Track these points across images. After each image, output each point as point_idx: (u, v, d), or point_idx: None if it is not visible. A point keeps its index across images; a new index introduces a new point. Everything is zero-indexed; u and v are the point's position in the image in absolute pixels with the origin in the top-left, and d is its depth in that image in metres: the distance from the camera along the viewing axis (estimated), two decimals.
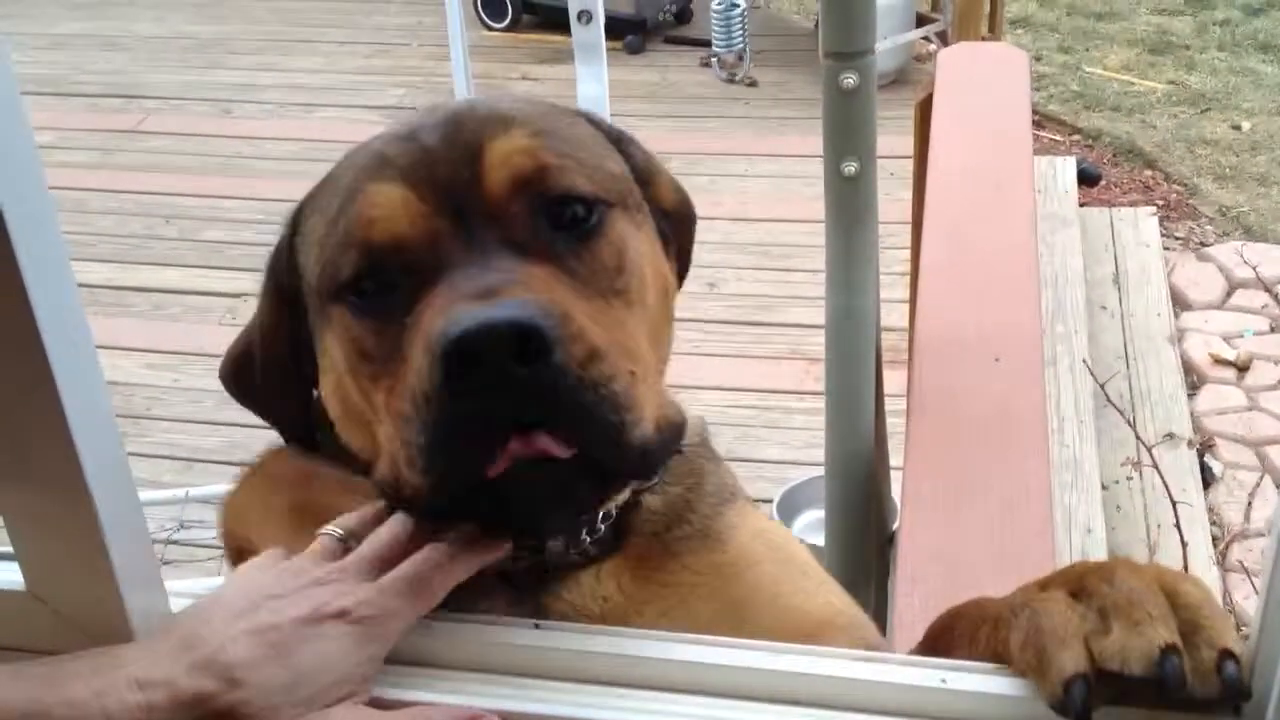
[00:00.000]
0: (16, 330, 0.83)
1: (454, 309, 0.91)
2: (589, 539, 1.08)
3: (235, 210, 5.84)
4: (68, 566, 0.91)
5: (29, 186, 0.83)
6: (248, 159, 6.35)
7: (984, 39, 5.98)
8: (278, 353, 1.16)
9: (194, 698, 0.83)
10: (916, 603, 1.73)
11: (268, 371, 1.19)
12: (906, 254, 3.35)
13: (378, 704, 0.89)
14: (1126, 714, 0.81)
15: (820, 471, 2.70)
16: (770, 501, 3.85)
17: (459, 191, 0.99)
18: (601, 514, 1.09)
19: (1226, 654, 0.79)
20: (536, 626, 0.94)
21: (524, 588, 1.04)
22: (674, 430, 1.04)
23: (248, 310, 5.23)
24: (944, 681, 0.86)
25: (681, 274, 1.24)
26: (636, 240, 1.07)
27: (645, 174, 1.17)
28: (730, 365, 4.65)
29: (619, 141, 1.17)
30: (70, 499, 0.88)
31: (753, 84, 6.73)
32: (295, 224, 1.13)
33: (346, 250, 1.01)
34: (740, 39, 6.67)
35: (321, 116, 6.76)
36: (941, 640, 0.98)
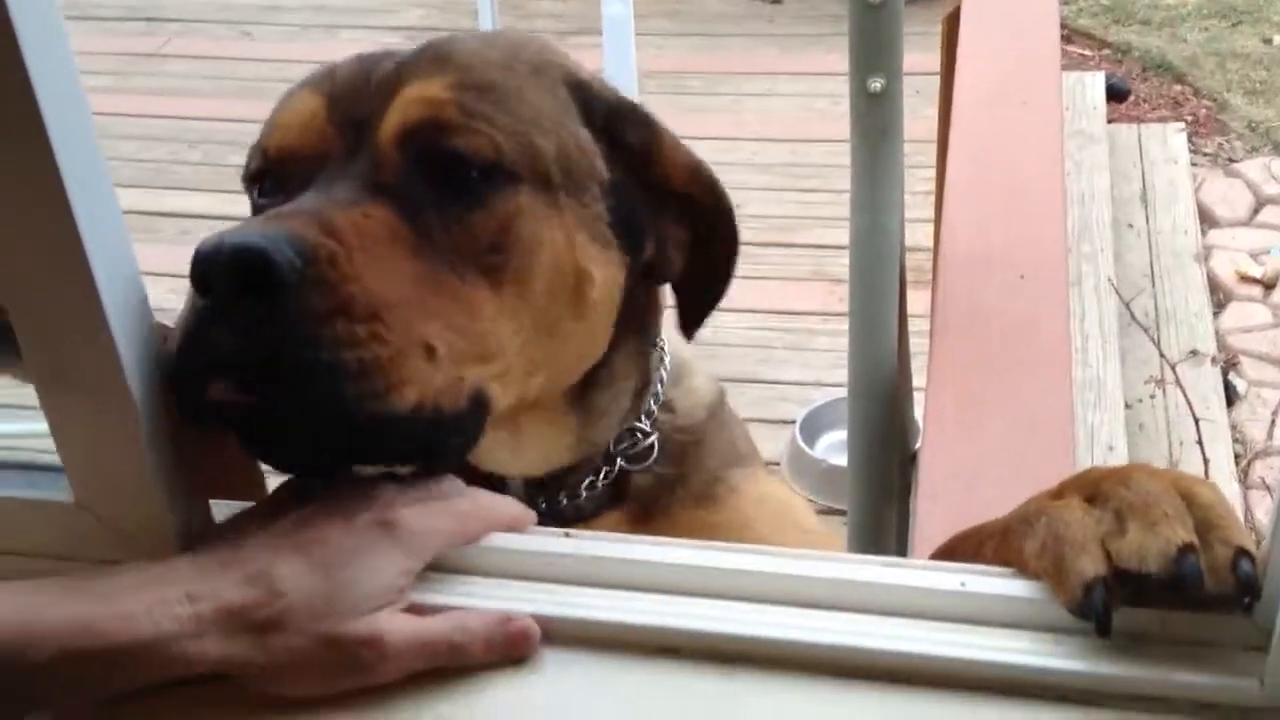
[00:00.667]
0: (61, 243, 0.86)
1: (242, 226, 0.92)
2: (585, 495, 1.15)
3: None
4: (113, 477, 0.94)
5: (72, 105, 0.85)
6: (271, 82, 6.27)
7: None
8: None
9: (241, 608, 0.86)
10: (937, 519, 1.76)
11: None
12: (931, 173, 3.33)
13: (416, 610, 0.92)
14: (1139, 615, 0.83)
15: (842, 393, 2.72)
16: (793, 423, 3.88)
17: (362, 120, 1.00)
18: (601, 475, 1.15)
19: (1241, 552, 0.81)
20: (566, 535, 0.97)
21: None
22: (449, 418, 0.95)
23: None
24: (963, 585, 0.88)
25: (722, 273, 1.18)
26: (540, 225, 1.02)
27: (642, 153, 1.12)
28: (753, 287, 4.63)
29: (610, 114, 1.11)
30: (114, 407, 0.91)
31: (777, 1, 6.65)
32: None
33: (259, 146, 1.06)
34: None
35: (344, 38, 6.72)
36: (946, 559, 1.00)
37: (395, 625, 0.89)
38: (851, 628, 0.88)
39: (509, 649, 0.91)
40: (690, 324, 1.21)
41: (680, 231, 1.16)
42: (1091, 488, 0.87)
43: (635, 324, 1.16)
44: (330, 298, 0.88)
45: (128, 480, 0.93)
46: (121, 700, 0.87)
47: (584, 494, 1.17)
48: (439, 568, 0.95)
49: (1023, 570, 0.88)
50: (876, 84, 1.91)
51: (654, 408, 1.22)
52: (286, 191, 1.01)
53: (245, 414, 0.91)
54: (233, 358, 0.89)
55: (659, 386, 1.23)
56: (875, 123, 1.97)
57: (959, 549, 1.02)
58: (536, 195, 1.02)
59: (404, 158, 0.99)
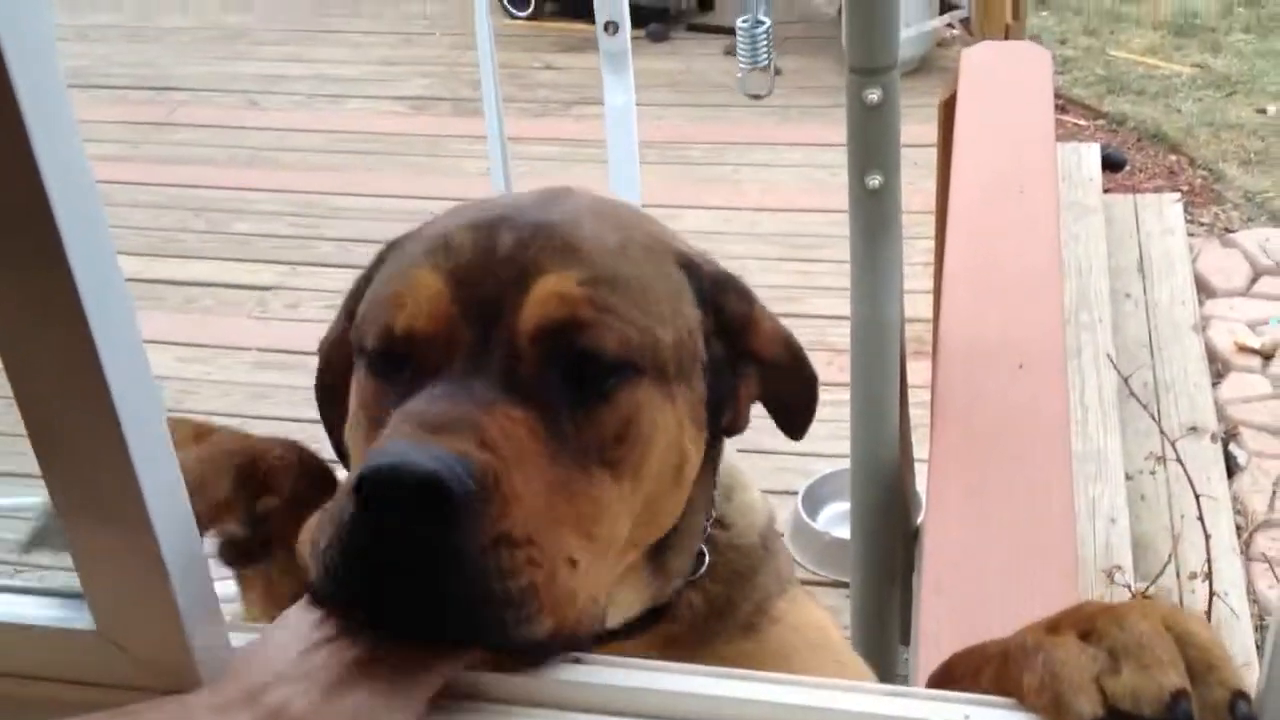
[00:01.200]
0: (80, 370, 0.88)
1: (397, 432, 0.93)
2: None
3: (264, 202, 5.90)
4: (134, 605, 0.96)
5: (81, 193, 0.86)
6: (276, 151, 6.41)
7: (1008, 25, 5.97)
8: (335, 376, 1.18)
9: None
10: (942, 613, 1.78)
11: (324, 390, 1.22)
12: (930, 244, 3.37)
13: None
14: None
15: (844, 465, 2.74)
16: (795, 494, 3.89)
17: (491, 309, 1.00)
18: None
19: (1239, 694, 0.83)
20: (577, 661, 0.98)
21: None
22: (574, 640, 0.97)
23: (277, 303, 5.34)
24: (967, 717, 0.89)
25: (805, 412, 1.22)
26: (658, 414, 1.04)
27: (739, 324, 1.14)
28: None
29: (715, 289, 1.13)
30: (135, 536, 0.93)
31: (777, 72, 6.73)
32: (380, 259, 1.15)
33: (375, 321, 1.04)
34: (765, 57, 6.66)
35: (348, 108, 6.81)
36: (942, 685, 1.02)
37: None
38: None
39: None
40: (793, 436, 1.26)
41: (754, 388, 1.18)
42: (1087, 623, 0.89)
43: (706, 476, 1.17)
44: (498, 523, 0.90)
45: (148, 609, 0.94)
46: None
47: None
48: (450, 694, 0.96)
49: (1021, 702, 0.90)
50: (875, 181, 1.96)
51: (706, 525, 1.21)
52: (413, 375, 1.00)
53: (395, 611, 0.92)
54: (399, 576, 0.90)
55: (714, 501, 1.22)
56: (874, 217, 2.01)
57: (957, 668, 1.03)
58: (655, 386, 1.04)
59: (538, 353, 0.99)
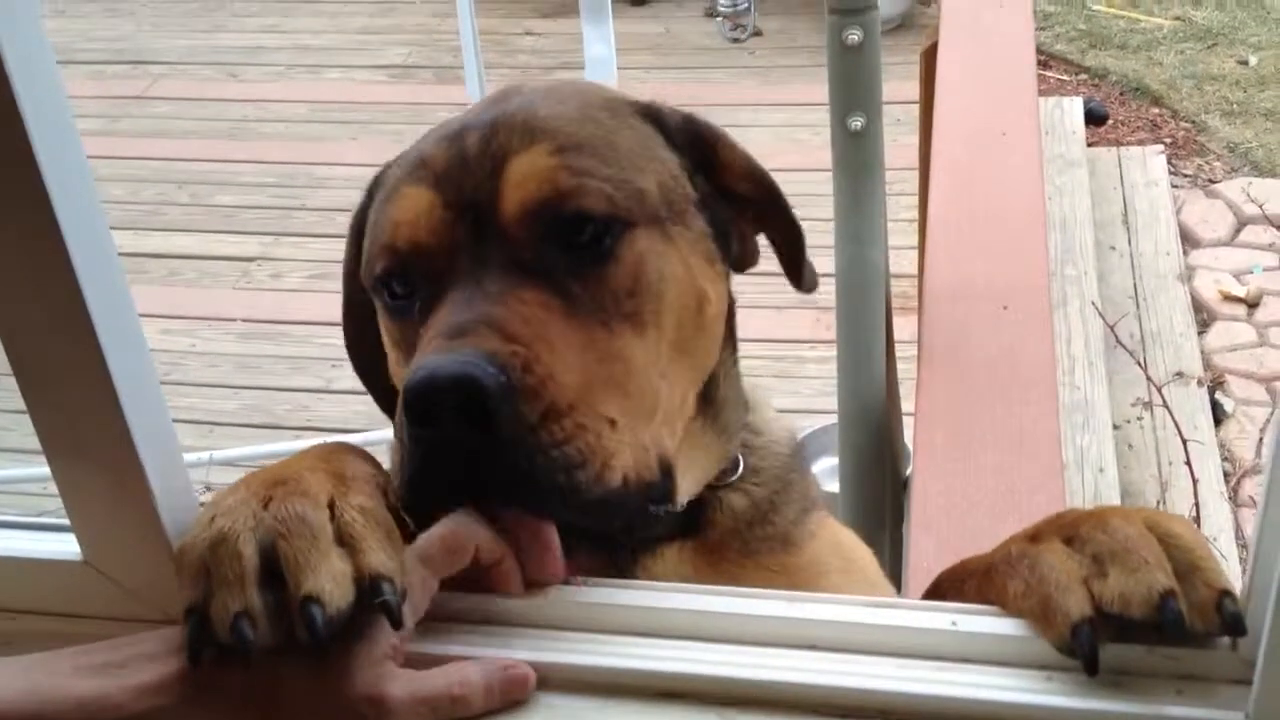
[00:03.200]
0: (65, 304, 0.88)
1: (427, 348, 0.96)
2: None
3: (246, 174, 5.86)
4: (121, 536, 0.96)
5: (70, 158, 0.87)
6: (256, 122, 6.37)
7: None
8: (357, 323, 1.21)
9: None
10: (930, 549, 1.78)
11: (353, 342, 1.25)
12: (913, 200, 3.37)
13: (417, 661, 0.93)
14: (1126, 650, 0.85)
15: (832, 420, 2.74)
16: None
17: (479, 204, 1.03)
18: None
19: (1224, 593, 0.83)
20: (566, 583, 0.99)
21: (609, 553, 1.08)
22: (649, 487, 1.03)
23: (261, 274, 5.30)
24: (954, 624, 0.90)
25: (793, 248, 1.23)
26: (662, 260, 1.07)
27: (711, 159, 1.16)
28: (741, 316, 4.67)
29: (682, 130, 1.15)
30: (122, 469, 0.93)
31: (757, 33, 6.71)
32: (371, 193, 1.17)
33: (379, 248, 1.07)
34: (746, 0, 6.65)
35: (328, 78, 6.76)
36: (933, 596, 1.02)
37: (397, 682, 0.91)
38: (845, 668, 0.90)
39: (507, 695, 0.92)
40: (794, 278, 1.27)
41: (746, 224, 1.21)
42: (1069, 529, 0.89)
43: (727, 330, 1.20)
44: (538, 403, 0.94)
45: (135, 538, 0.94)
46: None
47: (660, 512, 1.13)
48: (438, 617, 0.96)
49: (1006, 610, 0.90)
50: (857, 122, 1.95)
51: (738, 376, 1.24)
52: (420, 287, 1.04)
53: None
54: (466, 480, 0.95)
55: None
56: (856, 159, 2.01)
57: (944, 584, 1.04)
58: (651, 233, 1.06)
59: (531, 232, 1.02)
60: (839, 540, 1.29)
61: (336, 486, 0.92)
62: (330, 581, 0.85)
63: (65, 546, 0.99)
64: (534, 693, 0.93)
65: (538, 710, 0.92)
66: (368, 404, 1.28)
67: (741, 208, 1.19)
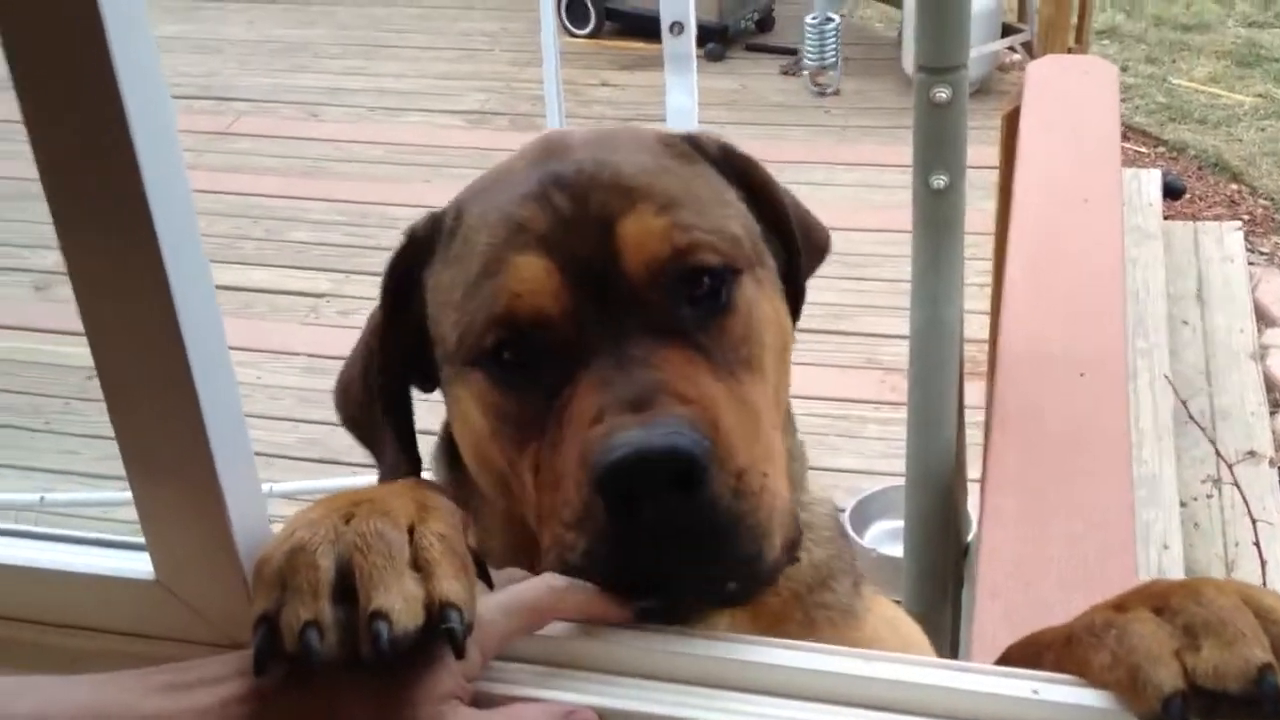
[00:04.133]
0: (158, 325, 0.88)
1: (610, 426, 0.93)
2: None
3: (320, 212, 5.96)
4: (195, 557, 0.96)
5: (177, 193, 0.88)
6: (334, 161, 6.48)
7: (1070, 50, 5.93)
8: (387, 379, 1.17)
9: None
10: (997, 616, 1.74)
11: (364, 399, 1.19)
12: (987, 265, 3.34)
13: (481, 701, 0.92)
14: None
15: (893, 482, 2.71)
16: (842, 511, 3.87)
17: (596, 268, 1.00)
18: None
19: None
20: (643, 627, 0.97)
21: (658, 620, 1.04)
22: (794, 545, 1.03)
23: (329, 310, 5.38)
24: (1035, 692, 0.87)
25: (796, 303, 1.19)
26: (761, 304, 1.07)
27: (764, 200, 1.15)
28: (806, 373, 4.63)
29: (727, 160, 1.15)
30: (201, 492, 0.93)
31: (835, 93, 6.73)
32: (424, 246, 1.13)
33: (488, 319, 1.02)
34: (833, 54, 6.68)
35: (407, 121, 6.87)
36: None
37: (459, 718, 0.90)
38: None
39: None
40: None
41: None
42: (1159, 600, 0.86)
43: None
44: (730, 464, 0.93)
45: (208, 561, 0.94)
46: None
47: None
48: (503, 657, 0.95)
49: (1090, 680, 0.87)
50: (940, 181, 1.94)
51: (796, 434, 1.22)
52: (544, 358, 1.01)
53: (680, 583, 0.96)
54: (679, 551, 0.93)
55: None
56: (938, 218, 1.99)
57: (1014, 657, 1.01)
58: (750, 279, 1.07)
59: (660, 292, 1.01)
60: (891, 615, 1.27)
61: (419, 512, 0.91)
62: (401, 601, 0.84)
63: (138, 565, 0.98)
64: None
65: None
66: (425, 444, 1.22)
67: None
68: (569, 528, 0.96)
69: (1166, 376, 4.46)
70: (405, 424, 1.18)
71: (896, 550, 2.72)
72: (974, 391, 2.71)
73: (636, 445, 0.90)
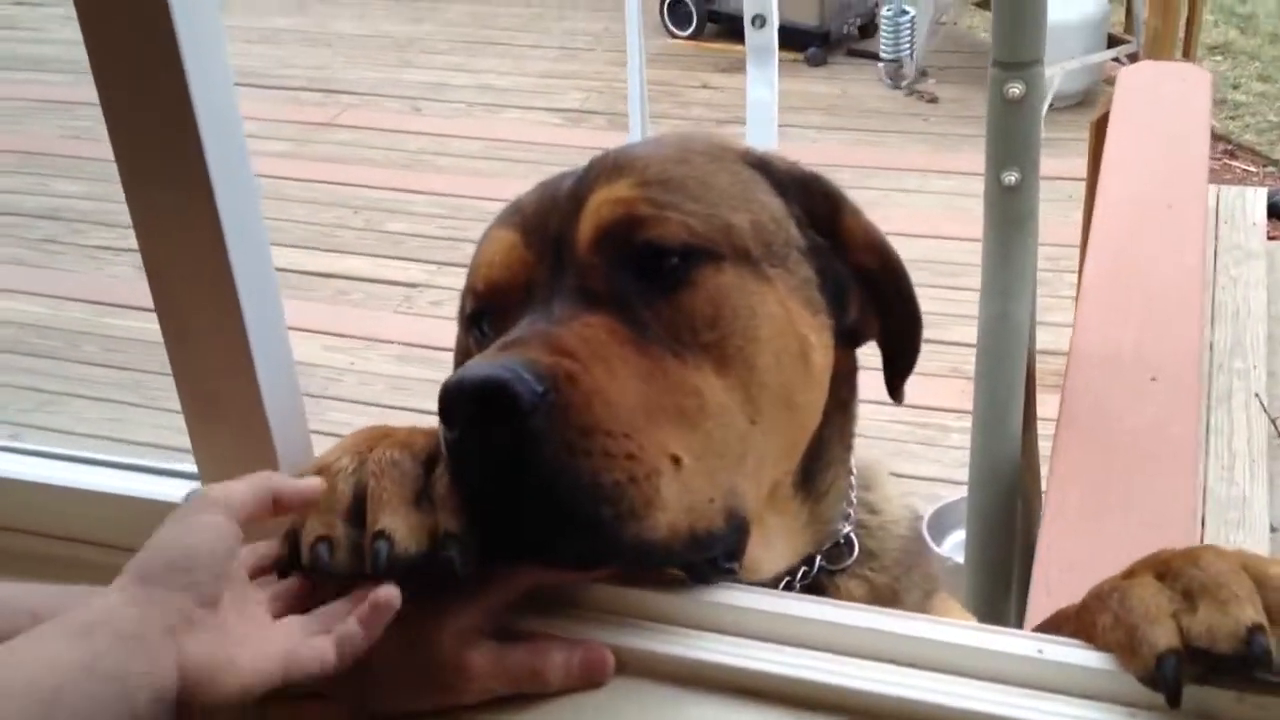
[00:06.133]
0: (218, 284, 0.96)
1: (472, 360, 0.95)
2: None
3: (418, 204, 6.08)
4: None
5: (239, 176, 0.94)
6: (434, 155, 6.60)
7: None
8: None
9: None
10: (1048, 611, 1.72)
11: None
12: (1075, 279, 3.30)
13: (506, 633, 0.95)
14: (1216, 694, 0.83)
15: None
16: (921, 519, 3.84)
17: (558, 240, 1.03)
18: (799, 576, 1.09)
19: None
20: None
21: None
22: (709, 539, 0.96)
23: (422, 300, 5.49)
24: (1040, 651, 0.89)
25: (906, 341, 1.17)
26: (752, 296, 1.02)
27: (824, 220, 1.12)
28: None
29: (793, 180, 1.12)
30: (253, 438, 1.00)
31: (933, 100, 6.69)
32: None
33: (466, 289, 1.11)
34: (907, 46, 6.65)
35: (506, 117, 6.97)
36: None
37: (480, 650, 0.94)
38: (927, 684, 0.89)
39: (585, 675, 0.94)
40: (894, 387, 1.21)
41: (864, 298, 1.15)
42: (1162, 566, 0.87)
43: (840, 395, 1.14)
44: (581, 417, 0.90)
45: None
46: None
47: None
48: (534, 600, 0.98)
49: (1095, 643, 0.88)
50: (1011, 177, 1.94)
51: (848, 509, 1.17)
52: (505, 324, 1.03)
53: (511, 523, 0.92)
54: (491, 490, 0.90)
55: (852, 486, 1.19)
56: (1008, 214, 1.99)
57: (1042, 630, 1.02)
58: (740, 269, 1.03)
59: (605, 260, 1.01)
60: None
61: (440, 450, 0.94)
62: (405, 526, 0.88)
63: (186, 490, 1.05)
64: (612, 676, 0.94)
65: (614, 693, 0.93)
66: None
67: (860, 280, 1.14)
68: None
69: (1257, 395, 4.36)
70: None
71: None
72: (1054, 403, 2.68)
73: (462, 374, 0.89)
